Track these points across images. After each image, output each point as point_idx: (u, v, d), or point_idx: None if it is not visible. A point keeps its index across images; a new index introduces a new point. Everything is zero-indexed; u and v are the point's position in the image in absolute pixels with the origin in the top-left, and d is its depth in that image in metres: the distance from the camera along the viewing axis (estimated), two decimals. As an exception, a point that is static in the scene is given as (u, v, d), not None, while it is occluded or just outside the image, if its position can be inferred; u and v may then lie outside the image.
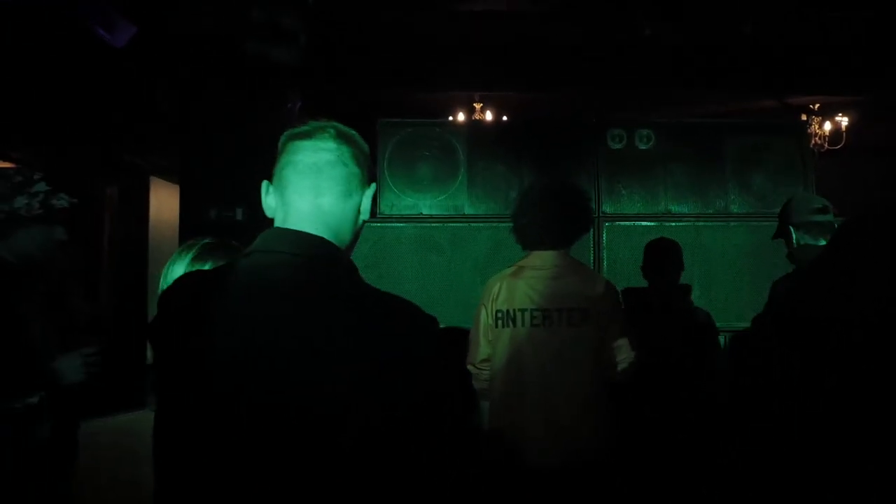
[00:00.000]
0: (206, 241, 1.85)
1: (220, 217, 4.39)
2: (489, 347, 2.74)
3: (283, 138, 1.33)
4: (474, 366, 2.76)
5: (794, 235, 2.74)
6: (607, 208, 4.19)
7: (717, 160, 4.22)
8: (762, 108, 5.96)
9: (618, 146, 4.22)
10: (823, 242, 2.62)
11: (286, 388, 1.12)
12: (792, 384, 1.66)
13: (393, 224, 4.09)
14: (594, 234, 4.05)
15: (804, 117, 6.40)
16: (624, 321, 2.76)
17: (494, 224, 4.00)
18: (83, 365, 2.42)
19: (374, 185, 1.37)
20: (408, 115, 4.51)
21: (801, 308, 1.61)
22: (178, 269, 1.77)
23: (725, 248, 4.09)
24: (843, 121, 6.78)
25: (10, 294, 2.40)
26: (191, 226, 4.45)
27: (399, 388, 1.13)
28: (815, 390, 1.61)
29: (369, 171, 1.36)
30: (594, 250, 4.10)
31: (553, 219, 2.73)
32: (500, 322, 2.70)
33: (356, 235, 1.36)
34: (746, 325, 3.12)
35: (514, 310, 2.68)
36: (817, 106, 6.54)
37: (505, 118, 6.66)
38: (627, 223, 4.15)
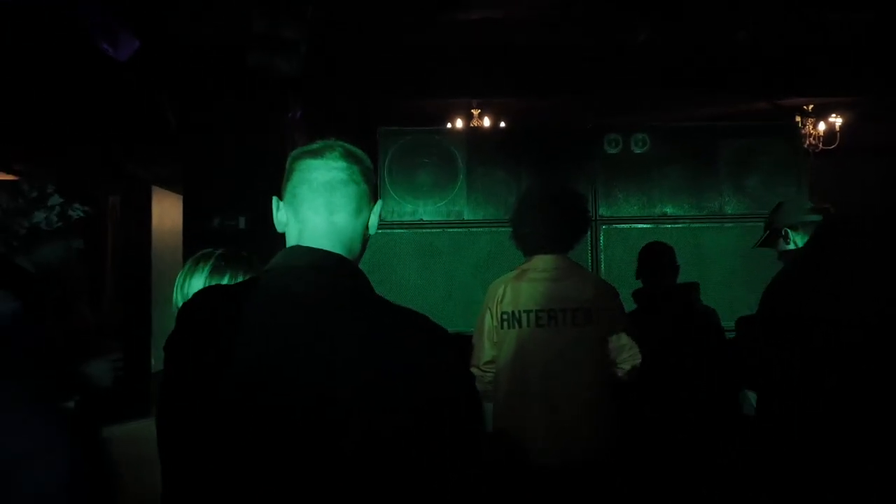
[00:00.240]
0: (220, 252, 1.86)
1: (223, 225, 4.43)
2: (494, 349, 2.77)
3: (292, 156, 1.37)
4: (478, 368, 2.78)
5: (791, 236, 2.80)
6: (604, 211, 4.24)
7: (712, 163, 4.27)
8: (756, 110, 5.97)
9: (614, 151, 4.27)
10: None
11: (292, 391, 1.16)
12: (787, 384, 1.69)
13: (393, 230, 4.14)
14: (591, 237, 4.10)
15: (798, 118, 6.42)
16: (628, 321, 2.80)
17: (494, 229, 4.06)
18: (112, 370, 2.43)
19: (380, 202, 1.42)
20: (406, 122, 4.57)
21: (783, 307, 1.64)
22: (196, 283, 1.78)
23: (720, 249, 4.15)
24: (838, 121, 6.82)
25: (35, 303, 2.43)
26: (194, 234, 4.49)
27: (403, 396, 1.16)
28: (807, 389, 1.64)
29: (375, 187, 1.41)
30: (591, 253, 4.15)
31: (553, 224, 2.77)
32: (505, 323, 2.74)
33: (364, 249, 1.41)
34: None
35: (519, 311, 2.72)
36: (811, 107, 6.57)
37: (503, 124, 6.70)
38: (624, 226, 4.21)
